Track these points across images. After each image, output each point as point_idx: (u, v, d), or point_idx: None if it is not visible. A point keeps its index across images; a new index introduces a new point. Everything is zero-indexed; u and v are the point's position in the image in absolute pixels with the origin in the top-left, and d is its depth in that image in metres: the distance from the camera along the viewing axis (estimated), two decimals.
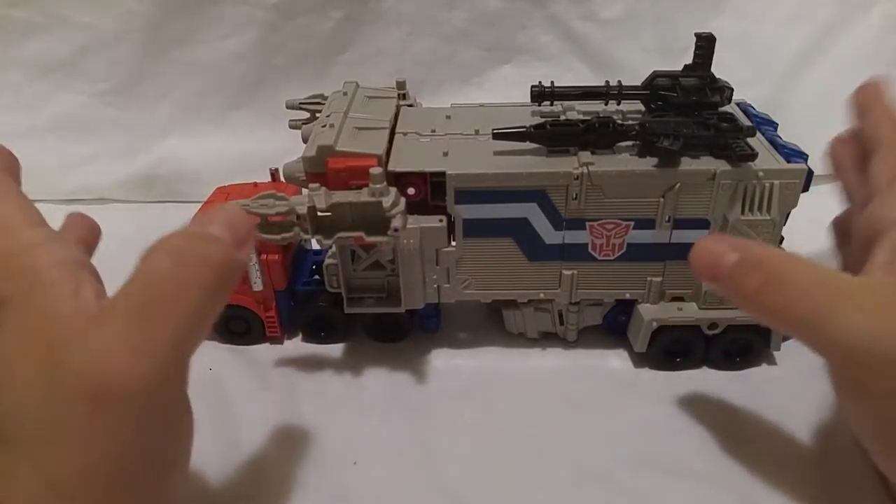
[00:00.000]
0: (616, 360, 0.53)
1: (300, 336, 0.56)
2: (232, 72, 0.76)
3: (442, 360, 0.53)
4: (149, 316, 0.30)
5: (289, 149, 0.51)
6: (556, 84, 0.49)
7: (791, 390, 0.50)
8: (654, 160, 0.45)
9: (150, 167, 0.76)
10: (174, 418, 0.33)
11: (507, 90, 0.77)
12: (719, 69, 0.47)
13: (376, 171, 0.43)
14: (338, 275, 0.49)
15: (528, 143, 0.47)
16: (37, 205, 0.78)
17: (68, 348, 0.30)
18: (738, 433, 0.46)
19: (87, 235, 0.41)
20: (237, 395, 0.50)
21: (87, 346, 0.30)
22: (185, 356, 0.32)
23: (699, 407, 0.49)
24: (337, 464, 0.45)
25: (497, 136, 0.47)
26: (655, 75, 0.48)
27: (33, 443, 0.30)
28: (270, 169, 0.57)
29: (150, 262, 0.31)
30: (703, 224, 0.47)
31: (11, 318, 0.31)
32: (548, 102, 0.50)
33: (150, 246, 0.31)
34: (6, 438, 0.30)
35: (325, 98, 0.54)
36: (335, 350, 0.55)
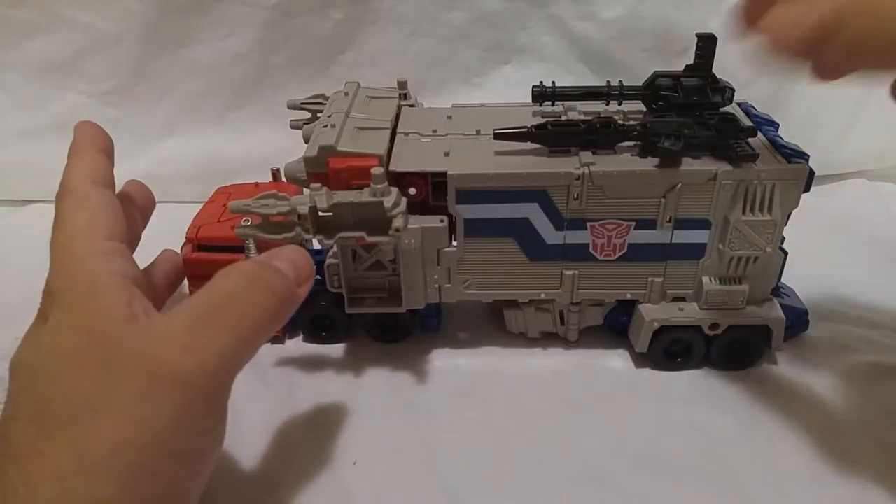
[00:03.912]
0: (617, 361, 0.53)
1: (301, 336, 0.56)
2: (232, 72, 0.76)
3: (443, 360, 0.53)
4: (213, 321, 0.34)
5: (289, 148, 0.51)
6: (556, 84, 0.49)
7: (792, 390, 0.50)
8: (656, 160, 0.45)
9: (150, 167, 0.76)
10: (211, 424, 0.35)
11: (507, 90, 0.77)
12: (720, 70, 0.47)
13: (377, 171, 0.43)
14: (339, 275, 0.49)
15: (529, 143, 0.47)
16: (36, 205, 0.79)
17: (126, 336, 0.33)
18: (738, 433, 0.46)
19: (143, 205, 0.46)
20: (237, 394, 0.49)
21: (150, 333, 0.33)
22: (234, 369, 0.35)
23: (700, 407, 0.48)
24: (337, 464, 0.45)
25: (498, 136, 0.47)
26: (656, 75, 0.48)
27: (75, 420, 0.31)
28: (272, 169, 0.57)
29: (224, 278, 0.36)
30: (704, 224, 0.47)
31: (63, 314, 0.34)
32: (549, 102, 0.50)
33: (225, 268, 0.36)
34: (45, 418, 0.32)
35: (327, 98, 0.54)
36: (336, 350, 0.54)
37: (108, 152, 0.41)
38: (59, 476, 0.30)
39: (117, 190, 0.45)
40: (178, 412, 0.32)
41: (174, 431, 0.32)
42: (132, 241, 0.43)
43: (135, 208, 0.45)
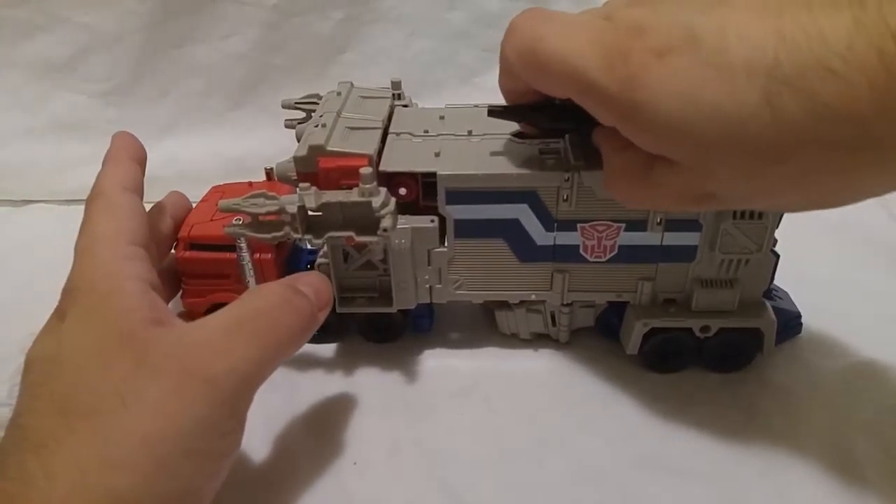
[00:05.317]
0: (608, 362, 0.52)
1: None
2: (232, 72, 0.76)
3: (436, 361, 0.53)
4: (245, 332, 0.37)
5: (289, 148, 0.51)
6: None
7: (791, 390, 0.49)
8: None
9: (150, 167, 0.76)
10: (232, 427, 0.37)
11: None
12: None
13: (366, 170, 0.43)
14: (330, 274, 0.49)
15: (520, 143, 0.47)
16: (37, 205, 0.79)
17: (156, 338, 0.35)
18: (736, 433, 0.46)
19: (179, 215, 0.50)
20: None
21: (181, 337, 0.35)
22: (259, 379, 0.37)
23: (694, 408, 0.48)
24: (337, 464, 0.45)
25: (491, 113, 0.46)
26: None
27: (101, 412, 0.32)
28: (266, 168, 0.57)
29: (255, 296, 0.40)
30: (695, 226, 0.46)
31: (84, 312, 0.35)
32: None
33: (253, 288, 0.40)
34: (68, 411, 0.32)
35: (321, 98, 0.54)
36: (328, 350, 0.54)
37: (141, 162, 0.45)
38: (81, 467, 0.31)
39: (160, 198, 0.49)
40: (207, 411, 0.34)
41: (200, 430, 0.34)
42: (161, 248, 0.46)
43: (168, 217, 0.49)
